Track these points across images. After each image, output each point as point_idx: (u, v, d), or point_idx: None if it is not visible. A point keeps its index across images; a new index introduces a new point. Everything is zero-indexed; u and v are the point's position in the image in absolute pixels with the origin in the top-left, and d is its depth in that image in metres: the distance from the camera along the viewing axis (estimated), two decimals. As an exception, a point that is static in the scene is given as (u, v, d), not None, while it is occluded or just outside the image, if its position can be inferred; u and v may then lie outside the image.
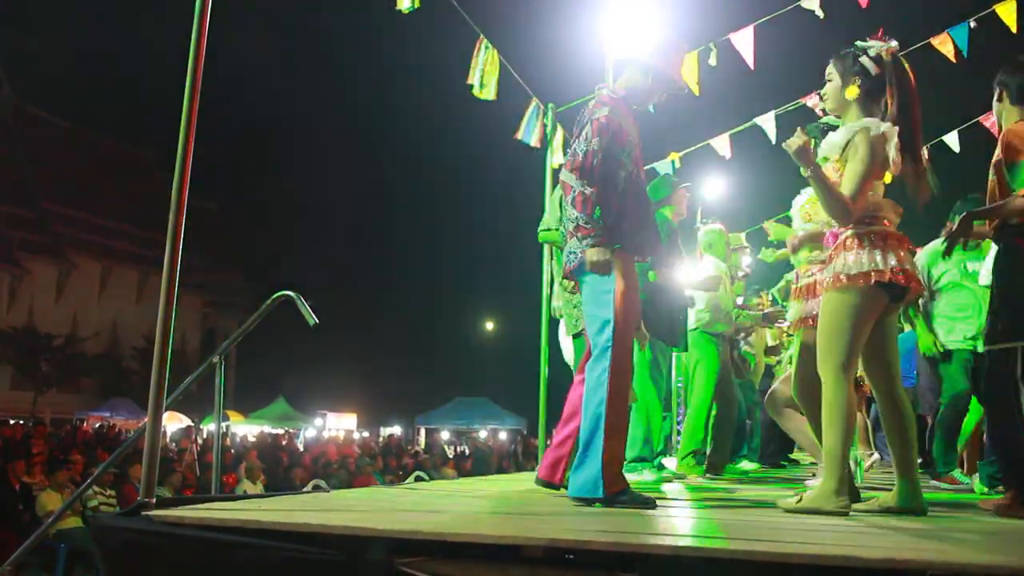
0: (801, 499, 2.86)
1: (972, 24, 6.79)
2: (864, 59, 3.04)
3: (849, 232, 2.98)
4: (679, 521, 2.72)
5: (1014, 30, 6.46)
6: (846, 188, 2.94)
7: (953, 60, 6.88)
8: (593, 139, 3.28)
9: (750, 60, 6.44)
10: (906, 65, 3.08)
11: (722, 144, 7.73)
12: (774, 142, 6.93)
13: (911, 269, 2.92)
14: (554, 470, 3.61)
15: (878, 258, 2.87)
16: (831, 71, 3.14)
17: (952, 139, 8.38)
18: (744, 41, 6.44)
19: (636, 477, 4.71)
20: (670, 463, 5.75)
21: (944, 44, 6.89)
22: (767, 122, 7.15)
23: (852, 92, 3.06)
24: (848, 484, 3.08)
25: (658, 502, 3.19)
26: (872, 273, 2.86)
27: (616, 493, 3.03)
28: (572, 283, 3.61)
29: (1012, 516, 3.01)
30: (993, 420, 3.46)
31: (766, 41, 6.45)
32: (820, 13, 6.18)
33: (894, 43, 3.06)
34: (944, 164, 8.47)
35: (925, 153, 3.18)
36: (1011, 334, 3.15)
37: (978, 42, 6.76)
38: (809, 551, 1.84)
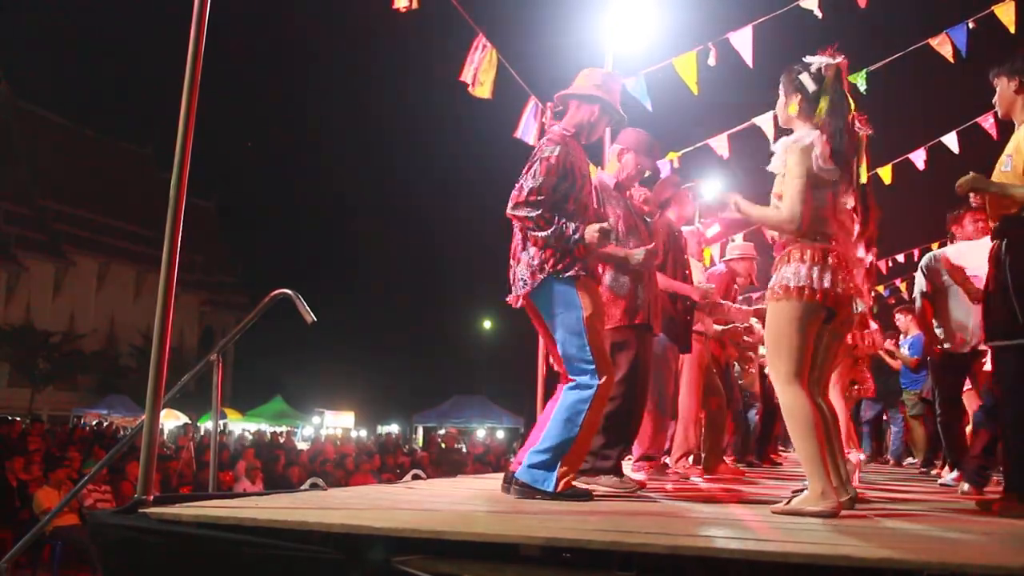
0: (790, 502, 2.86)
1: (971, 25, 6.79)
2: (803, 76, 3.10)
3: (794, 245, 3.01)
4: (676, 520, 2.72)
5: (1012, 31, 6.46)
6: (785, 207, 2.98)
7: (952, 61, 6.88)
8: (540, 177, 3.38)
9: (749, 60, 6.44)
10: (845, 85, 3.12)
11: (720, 144, 7.73)
12: (772, 142, 6.92)
13: (842, 291, 2.95)
14: None
15: (815, 274, 2.92)
16: (781, 87, 3.20)
17: (951, 140, 8.39)
18: (743, 41, 6.44)
19: (641, 475, 4.74)
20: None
21: (943, 45, 6.89)
22: (765, 122, 7.14)
23: (792, 108, 3.12)
24: (843, 486, 3.08)
25: (657, 501, 3.21)
26: (806, 288, 2.90)
27: (561, 491, 3.22)
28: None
29: (1011, 515, 3.02)
30: (1011, 416, 3.42)
31: (765, 41, 6.46)
32: (819, 13, 6.18)
33: (840, 59, 3.10)
34: (943, 165, 8.50)
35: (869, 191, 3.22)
36: None
37: (977, 43, 6.76)
38: (807, 551, 1.84)
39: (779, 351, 2.96)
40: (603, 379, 3.29)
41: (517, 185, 3.44)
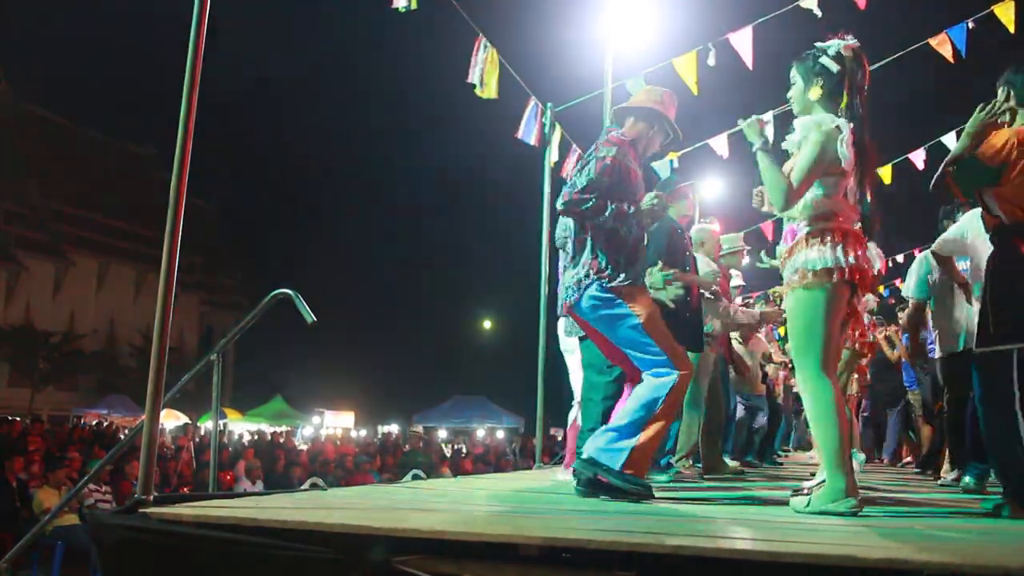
0: (810, 501, 2.85)
1: (970, 25, 6.79)
2: (824, 59, 3.08)
3: (808, 229, 3.00)
4: (677, 520, 2.72)
5: (1012, 31, 6.46)
6: (792, 178, 2.96)
7: (951, 61, 6.88)
8: (593, 174, 3.40)
9: (748, 60, 6.44)
10: (864, 61, 3.10)
11: (720, 144, 7.73)
12: (772, 142, 6.92)
13: (866, 267, 2.94)
14: None
15: (839, 254, 2.89)
16: (794, 74, 3.18)
17: (951, 140, 8.38)
18: (742, 41, 6.44)
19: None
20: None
21: (943, 45, 6.89)
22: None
23: (816, 92, 3.09)
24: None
25: (657, 501, 3.21)
26: (835, 270, 2.88)
27: (627, 474, 3.16)
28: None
29: (1011, 516, 3.02)
30: (990, 421, 3.45)
31: (764, 41, 6.46)
32: (818, 13, 6.19)
33: (852, 40, 3.08)
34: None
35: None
36: (1008, 337, 3.15)
37: (977, 43, 6.76)
38: (808, 551, 1.84)
39: (809, 340, 2.92)
40: (683, 371, 3.31)
41: (569, 183, 3.47)
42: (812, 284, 2.91)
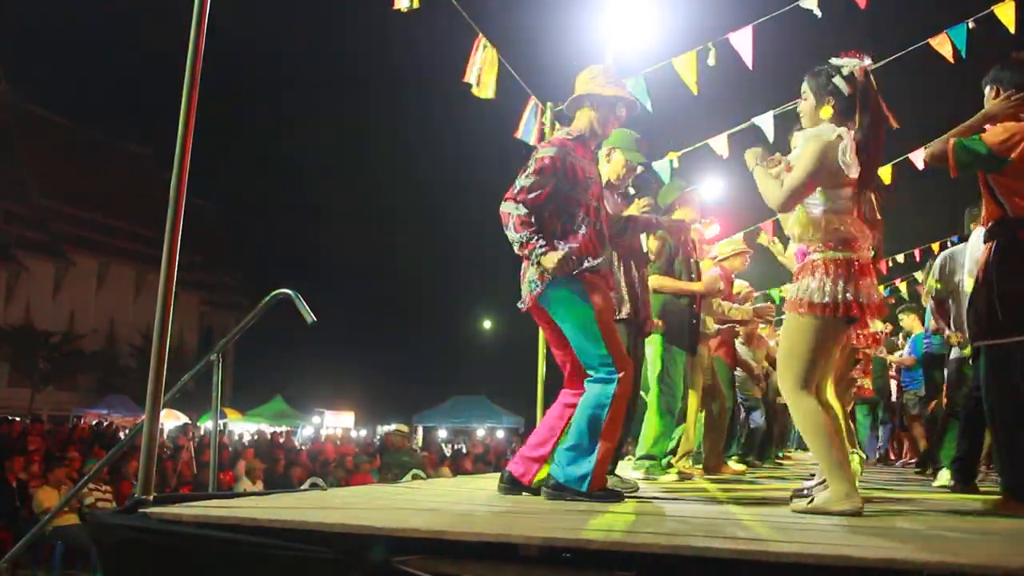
0: (812, 501, 2.86)
1: (971, 25, 6.79)
2: (837, 79, 3.04)
3: (817, 256, 3.00)
4: (677, 520, 2.72)
5: (1012, 31, 6.46)
6: (785, 183, 2.98)
7: (952, 61, 6.88)
8: (532, 177, 3.39)
9: (748, 60, 6.44)
10: (875, 84, 3.07)
11: (720, 144, 7.73)
12: (772, 142, 6.94)
13: (866, 300, 2.93)
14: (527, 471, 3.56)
15: (839, 289, 2.90)
16: (805, 89, 3.15)
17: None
18: (743, 41, 6.44)
19: (641, 474, 4.75)
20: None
21: (943, 45, 6.89)
22: (765, 122, 7.14)
23: (826, 112, 3.06)
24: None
25: (657, 501, 3.21)
26: (829, 305, 2.89)
27: (596, 491, 3.20)
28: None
29: (1010, 514, 3.02)
30: (999, 413, 3.44)
31: (764, 41, 6.45)
32: (818, 13, 6.18)
33: (867, 61, 3.06)
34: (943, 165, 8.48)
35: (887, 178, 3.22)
36: (1013, 329, 3.16)
37: (977, 43, 6.76)
38: (808, 551, 1.84)
39: (792, 360, 2.96)
40: (622, 374, 3.29)
41: (514, 183, 3.46)
42: (805, 313, 2.94)
